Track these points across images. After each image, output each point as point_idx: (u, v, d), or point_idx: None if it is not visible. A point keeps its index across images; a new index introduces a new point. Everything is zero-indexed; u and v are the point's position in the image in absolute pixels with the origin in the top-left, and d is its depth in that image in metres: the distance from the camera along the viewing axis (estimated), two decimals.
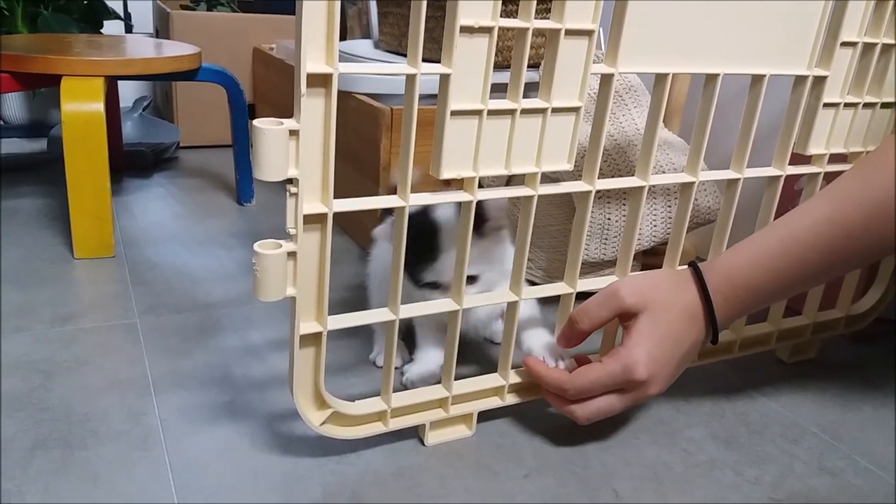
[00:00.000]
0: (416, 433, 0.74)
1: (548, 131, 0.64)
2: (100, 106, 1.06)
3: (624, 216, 1.00)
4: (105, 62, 1.15)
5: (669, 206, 1.02)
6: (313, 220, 0.59)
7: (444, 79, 0.59)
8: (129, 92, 1.86)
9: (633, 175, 0.75)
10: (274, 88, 1.70)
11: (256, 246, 0.59)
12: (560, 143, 0.66)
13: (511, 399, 0.77)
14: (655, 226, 1.02)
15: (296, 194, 0.57)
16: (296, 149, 0.56)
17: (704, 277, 0.72)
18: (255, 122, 0.54)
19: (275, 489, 0.66)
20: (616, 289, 0.71)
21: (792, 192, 0.95)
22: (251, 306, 0.98)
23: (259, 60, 1.81)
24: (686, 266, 0.75)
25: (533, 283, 0.86)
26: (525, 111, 0.63)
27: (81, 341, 0.88)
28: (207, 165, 1.64)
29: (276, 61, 1.64)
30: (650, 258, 1.09)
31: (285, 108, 1.70)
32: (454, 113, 0.60)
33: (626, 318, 0.71)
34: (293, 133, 0.56)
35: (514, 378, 0.76)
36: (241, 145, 1.38)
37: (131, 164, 1.57)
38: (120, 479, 0.66)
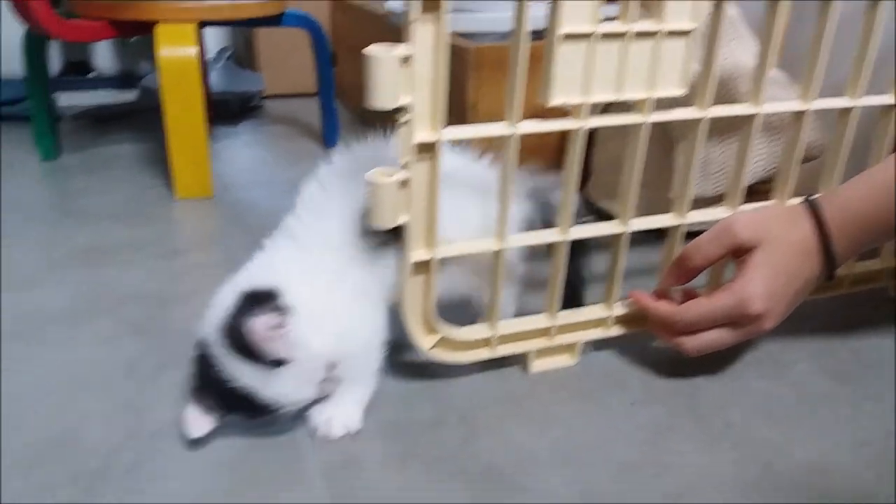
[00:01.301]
0: (519, 361, 0.75)
1: (660, 55, 0.63)
2: (194, 50, 1.08)
3: (724, 152, 0.97)
4: (196, 7, 1.17)
5: (772, 142, 0.99)
6: (424, 148, 0.60)
7: (556, 1, 0.58)
8: (211, 43, 1.89)
9: None
10: (354, 36, 1.70)
11: (369, 175, 0.59)
12: (672, 67, 0.64)
13: (615, 330, 0.77)
14: (756, 163, 0.98)
15: (407, 123, 0.58)
16: (407, 76, 0.56)
17: (822, 211, 0.70)
18: (368, 48, 0.54)
19: (388, 406, 0.68)
20: (729, 224, 0.70)
21: None
22: None
23: (338, 8, 1.81)
24: (800, 201, 0.73)
25: None
26: (637, 34, 0.61)
27: (191, 275, 0.92)
28: (291, 113, 1.67)
29: (355, 8, 1.64)
30: (748, 196, 1.06)
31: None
32: (565, 37, 0.59)
33: (739, 253, 0.70)
34: (405, 60, 0.56)
35: (619, 309, 0.76)
36: (326, 90, 1.40)
37: (218, 112, 1.60)
38: None
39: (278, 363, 0.58)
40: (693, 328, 0.70)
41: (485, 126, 0.63)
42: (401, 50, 0.55)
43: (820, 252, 0.70)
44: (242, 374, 0.58)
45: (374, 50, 0.54)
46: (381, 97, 0.56)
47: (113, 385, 0.70)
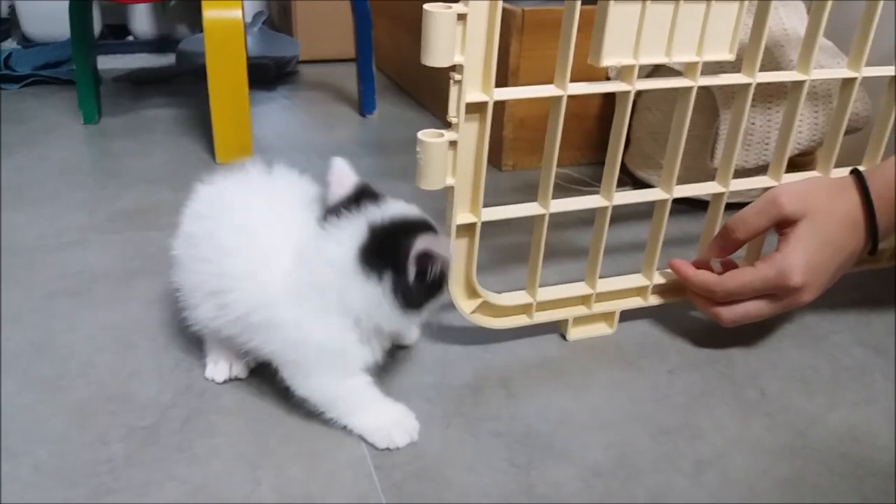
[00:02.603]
0: (557, 328, 0.76)
1: (711, 19, 0.62)
2: (238, 13, 1.09)
3: (768, 120, 0.96)
4: None
5: (816, 112, 0.97)
6: (474, 108, 0.60)
7: None
8: (247, 7, 1.89)
9: None
10: (391, 1, 1.69)
11: (420, 134, 0.60)
12: (722, 31, 0.64)
13: (654, 300, 0.77)
14: (800, 132, 0.97)
15: (460, 82, 0.58)
16: (462, 34, 0.56)
17: (868, 183, 0.69)
18: (427, 5, 0.55)
19: (429, 371, 0.70)
20: (775, 195, 0.69)
21: None
22: None
23: None
24: (847, 172, 0.72)
25: None
26: None
27: None
28: (328, 78, 1.67)
29: None
30: (788, 168, 1.05)
31: (405, 23, 1.70)
32: None
33: (783, 225, 0.69)
34: (461, 17, 0.56)
35: (658, 279, 0.76)
36: (365, 56, 1.39)
37: (255, 77, 1.60)
38: None
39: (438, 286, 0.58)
40: (732, 298, 0.70)
41: (534, 88, 0.63)
42: (458, 7, 0.55)
43: (865, 225, 0.69)
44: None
45: (432, 7, 0.55)
46: (437, 55, 0.56)
47: (162, 343, 0.72)
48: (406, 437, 0.61)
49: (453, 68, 0.58)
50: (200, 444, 0.60)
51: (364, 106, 1.43)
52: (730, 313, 0.71)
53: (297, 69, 1.73)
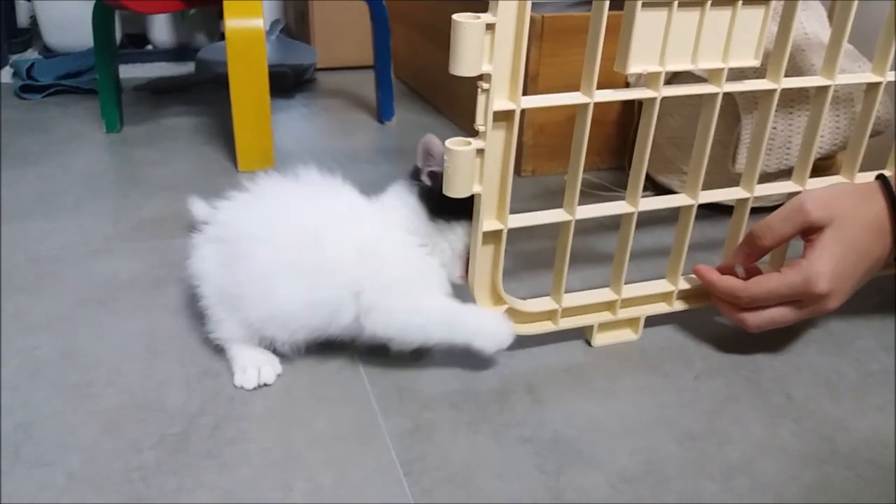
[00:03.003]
0: (582, 335, 0.76)
1: (737, 25, 0.62)
2: (260, 22, 1.10)
3: (789, 125, 0.96)
4: None
5: (837, 116, 0.97)
6: (501, 117, 0.61)
7: None
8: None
9: None
10: (409, 8, 1.70)
11: (448, 143, 0.60)
12: (748, 38, 0.64)
13: (679, 305, 0.77)
14: (822, 136, 0.97)
15: (487, 90, 0.58)
16: (491, 44, 0.57)
17: (894, 188, 0.69)
18: (455, 15, 0.55)
19: (454, 377, 0.70)
20: (801, 202, 0.69)
21: None
22: None
23: None
24: (873, 178, 0.71)
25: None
26: (715, 2, 0.61)
27: None
28: (345, 86, 1.68)
29: None
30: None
31: (422, 29, 1.71)
32: (645, 5, 0.59)
33: (809, 232, 0.69)
34: (489, 27, 0.56)
35: (682, 284, 0.76)
36: (383, 62, 1.40)
37: (273, 85, 1.61)
38: (313, 364, 0.71)
39: None
40: (757, 304, 0.70)
41: (561, 95, 0.63)
42: (486, 17, 0.56)
43: (891, 231, 0.69)
44: None
45: (461, 17, 0.55)
46: (466, 64, 0.57)
47: (190, 351, 0.73)
48: (509, 336, 0.68)
49: (481, 77, 0.58)
50: (230, 451, 0.60)
51: (382, 112, 1.44)
52: (755, 319, 0.70)
53: (315, 77, 1.74)
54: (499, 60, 0.58)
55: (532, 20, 1.06)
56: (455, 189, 0.61)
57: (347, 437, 0.62)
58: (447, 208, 0.66)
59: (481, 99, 0.59)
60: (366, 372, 0.70)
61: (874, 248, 0.69)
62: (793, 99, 0.96)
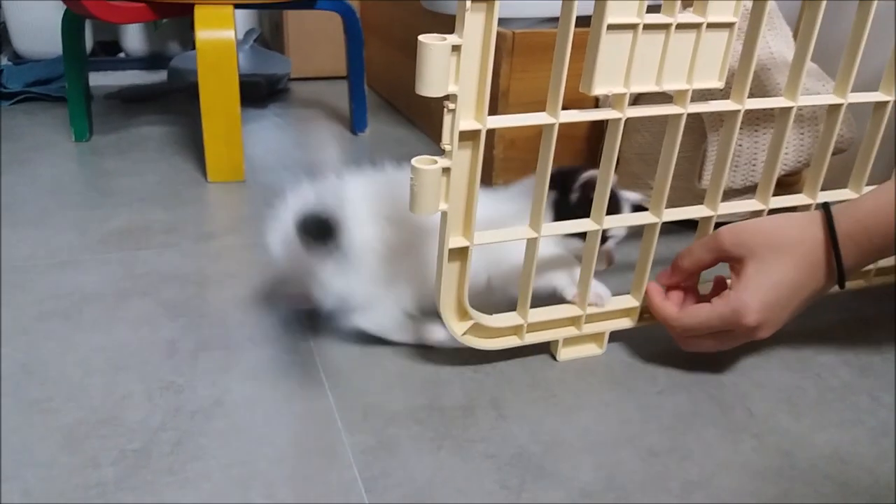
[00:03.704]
0: (547, 349, 0.77)
1: (701, 47, 0.63)
2: (231, 33, 1.09)
3: (755, 142, 0.97)
4: None
5: (802, 134, 0.99)
6: (467, 136, 0.61)
7: None
8: (238, 25, 1.90)
9: None
10: (383, 20, 1.70)
11: (414, 161, 0.61)
12: (712, 59, 0.65)
13: (643, 321, 0.77)
14: (787, 154, 0.99)
15: (453, 110, 0.59)
16: (456, 64, 0.57)
17: (836, 222, 0.68)
18: (421, 37, 0.55)
19: (419, 392, 0.70)
20: (719, 232, 0.71)
21: None
22: None
23: None
24: (817, 209, 0.72)
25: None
26: (680, 26, 0.62)
27: (227, 257, 0.94)
28: (319, 96, 1.68)
29: None
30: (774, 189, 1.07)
31: (396, 41, 1.71)
32: (610, 27, 0.59)
33: (729, 261, 0.71)
34: (455, 49, 0.57)
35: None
36: (357, 75, 1.41)
37: (246, 94, 1.61)
38: (278, 378, 0.71)
39: None
40: (689, 333, 0.72)
41: (526, 116, 0.63)
42: (452, 39, 0.56)
43: (829, 263, 0.69)
44: None
45: (427, 39, 0.55)
46: (432, 85, 0.57)
47: (153, 366, 0.72)
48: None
49: (447, 97, 0.59)
50: (191, 467, 0.60)
51: (355, 124, 1.44)
52: (689, 346, 0.73)
53: (289, 87, 1.74)
54: (465, 81, 0.58)
55: (503, 36, 1.07)
56: (420, 207, 0.61)
57: (310, 453, 0.62)
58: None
59: (447, 119, 0.59)
60: (331, 387, 0.70)
61: (807, 281, 0.69)
62: (758, 117, 0.97)
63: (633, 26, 0.60)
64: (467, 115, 0.60)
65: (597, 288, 0.75)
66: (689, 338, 0.72)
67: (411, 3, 1.41)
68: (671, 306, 0.73)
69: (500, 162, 1.16)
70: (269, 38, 2.01)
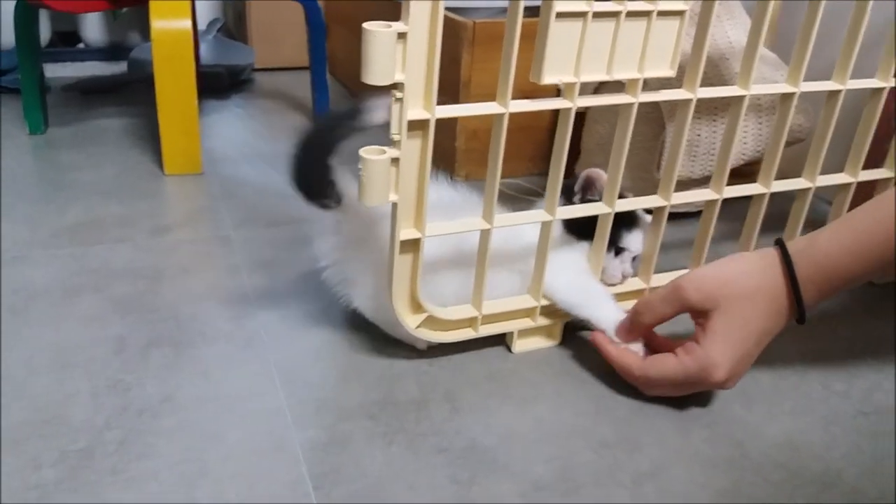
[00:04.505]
0: (502, 341, 0.76)
1: (652, 36, 0.63)
2: (187, 23, 1.07)
3: (714, 132, 0.97)
4: None
5: (760, 123, 0.99)
6: (416, 126, 0.60)
7: None
8: (202, 15, 1.87)
9: None
10: (346, 9, 1.68)
11: (362, 152, 0.60)
12: (664, 48, 0.65)
13: None
14: (745, 143, 0.99)
15: (401, 100, 0.58)
16: (403, 52, 0.56)
17: (795, 266, 0.65)
18: (366, 24, 0.54)
19: (373, 386, 0.69)
20: (680, 285, 0.67)
21: (890, 111, 0.91)
22: None
23: None
24: (772, 247, 0.68)
25: None
26: (630, 14, 0.61)
27: (181, 251, 0.92)
28: (282, 87, 1.66)
29: None
30: (734, 178, 1.07)
31: (358, 29, 1.69)
32: (559, 15, 0.59)
33: (694, 314, 0.68)
34: (401, 36, 0.56)
35: None
36: (319, 65, 1.39)
37: (208, 85, 1.59)
38: (229, 375, 0.70)
39: None
40: (651, 385, 0.69)
41: (476, 105, 0.63)
42: (397, 26, 0.55)
43: (790, 306, 0.66)
44: None
45: (371, 26, 0.54)
46: (377, 73, 0.56)
47: (100, 363, 0.70)
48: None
49: (394, 86, 0.58)
50: (137, 467, 0.59)
51: (318, 114, 1.42)
52: (650, 392, 0.70)
53: (253, 77, 1.72)
54: (412, 69, 0.57)
55: (463, 26, 1.07)
56: (370, 198, 0.61)
57: (259, 451, 0.61)
58: (579, 229, 0.75)
59: (395, 108, 0.58)
60: (282, 384, 0.69)
61: (772, 326, 0.67)
62: (717, 106, 0.98)
63: (582, 14, 0.60)
64: (416, 105, 0.59)
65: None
66: (652, 386, 0.69)
67: None
68: (631, 356, 0.70)
69: (463, 153, 1.15)
70: (232, 28, 1.98)
